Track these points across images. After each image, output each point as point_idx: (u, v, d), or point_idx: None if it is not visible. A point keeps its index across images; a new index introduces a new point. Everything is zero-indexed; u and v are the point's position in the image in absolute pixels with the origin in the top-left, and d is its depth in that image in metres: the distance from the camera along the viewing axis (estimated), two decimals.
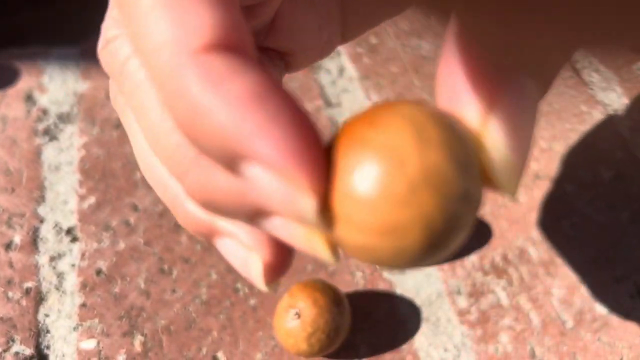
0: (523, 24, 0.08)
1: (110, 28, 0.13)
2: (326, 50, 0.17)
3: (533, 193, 0.30)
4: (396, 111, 0.10)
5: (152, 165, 0.13)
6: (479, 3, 0.09)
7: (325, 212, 0.10)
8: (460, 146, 0.10)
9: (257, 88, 0.10)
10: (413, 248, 0.10)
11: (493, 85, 0.11)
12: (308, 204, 0.10)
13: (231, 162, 0.10)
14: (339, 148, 0.10)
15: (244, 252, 0.13)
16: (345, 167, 0.10)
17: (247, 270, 0.13)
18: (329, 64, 0.35)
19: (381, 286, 0.27)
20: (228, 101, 0.10)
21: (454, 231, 0.10)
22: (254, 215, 0.11)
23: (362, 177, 0.10)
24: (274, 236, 0.11)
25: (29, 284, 0.26)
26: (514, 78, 0.11)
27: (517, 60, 0.10)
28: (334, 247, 0.11)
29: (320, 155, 0.10)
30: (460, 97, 0.11)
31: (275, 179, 0.10)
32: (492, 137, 0.10)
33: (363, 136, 0.10)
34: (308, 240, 0.11)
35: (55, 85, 0.33)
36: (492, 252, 0.28)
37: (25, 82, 0.33)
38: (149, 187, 0.30)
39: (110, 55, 0.13)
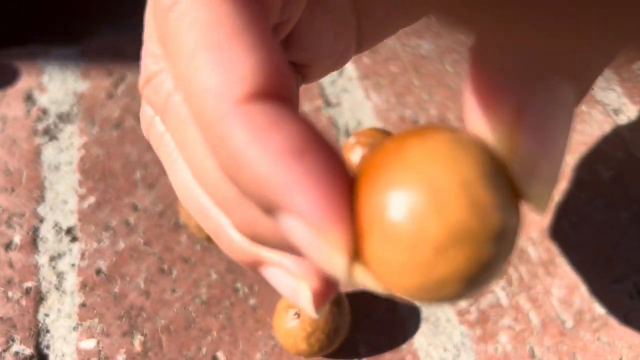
0: (564, 27, 0.08)
1: (151, 64, 0.13)
2: (341, 60, 0.17)
3: None
4: (427, 143, 0.09)
5: (194, 196, 0.13)
6: (510, 11, 0.08)
7: (358, 256, 0.10)
8: (498, 179, 0.09)
9: (296, 141, 0.10)
10: (451, 291, 0.09)
11: (520, 95, 0.10)
12: (340, 261, 0.10)
13: (270, 209, 0.10)
14: (367, 186, 0.10)
15: (292, 281, 0.13)
16: (378, 208, 0.09)
17: (296, 297, 0.13)
18: None
19: None
20: (268, 154, 0.10)
21: (492, 271, 0.09)
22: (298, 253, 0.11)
23: (399, 220, 0.09)
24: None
25: (29, 284, 0.26)
26: (546, 84, 0.10)
27: (552, 64, 0.10)
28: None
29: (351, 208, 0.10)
30: (484, 118, 0.10)
31: (310, 233, 0.10)
32: (520, 146, 0.10)
33: (394, 175, 0.09)
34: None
35: (55, 85, 0.33)
36: None
37: (25, 82, 0.33)
38: (148, 187, 0.30)
39: (154, 91, 0.13)
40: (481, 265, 0.09)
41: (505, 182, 0.09)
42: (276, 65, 0.11)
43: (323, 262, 0.10)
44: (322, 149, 0.10)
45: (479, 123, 0.11)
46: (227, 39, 0.11)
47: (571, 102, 0.11)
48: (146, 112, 0.15)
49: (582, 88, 0.11)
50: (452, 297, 0.10)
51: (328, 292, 0.13)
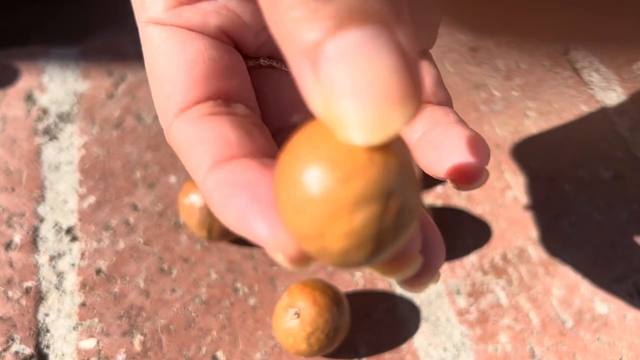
0: None
1: None
2: None
3: (533, 193, 0.30)
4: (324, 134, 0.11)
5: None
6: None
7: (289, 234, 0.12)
8: (401, 159, 0.11)
9: (260, 195, 0.13)
10: (363, 249, 0.11)
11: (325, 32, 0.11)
12: (283, 259, 0.13)
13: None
14: (287, 167, 0.11)
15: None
16: (293, 185, 0.11)
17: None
18: None
19: (380, 286, 0.27)
20: (241, 205, 0.13)
21: (394, 229, 0.11)
22: None
23: (312, 194, 0.10)
24: None
25: (29, 284, 0.26)
26: (354, 24, 0.11)
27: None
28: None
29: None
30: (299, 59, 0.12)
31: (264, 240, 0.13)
32: (322, 80, 0.11)
33: (307, 156, 0.11)
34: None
35: (55, 85, 0.33)
36: (491, 251, 0.28)
37: (25, 82, 0.33)
38: (148, 187, 0.30)
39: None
40: (381, 224, 0.10)
41: (409, 170, 0.11)
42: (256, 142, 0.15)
43: (276, 258, 0.13)
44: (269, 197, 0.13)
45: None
46: None
47: (383, 40, 0.11)
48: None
49: (404, 25, 0.12)
50: (366, 255, 0.11)
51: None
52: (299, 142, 0.11)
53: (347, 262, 0.11)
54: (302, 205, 0.10)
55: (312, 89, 0.10)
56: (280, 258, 0.13)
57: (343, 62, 0.10)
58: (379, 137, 0.10)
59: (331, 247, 0.11)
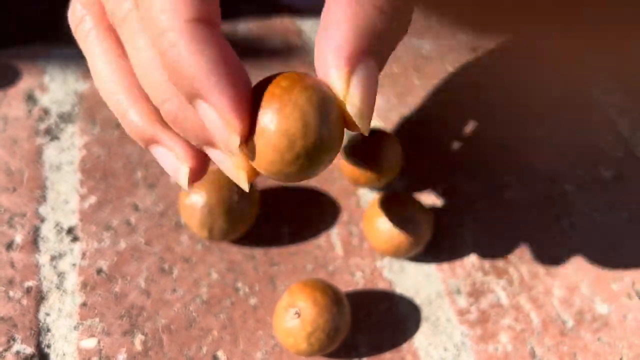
0: None
1: (77, 11, 0.20)
2: None
3: (533, 192, 0.30)
4: (295, 82, 0.16)
5: (111, 89, 0.19)
6: None
7: (249, 146, 0.16)
8: (323, 97, 0.16)
9: (218, 54, 0.15)
10: (300, 164, 0.16)
11: (352, 64, 0.16)
12: (234, 139, 0.16)
13: (192, 98, 0.16)
14: (262, 102, 0.16)
15: (175, 160, 0.19)
16: (264, 118, 0.16)
17: (175, 173, 0.19)
18: None
19: (381, 286, 0.27)
20: (199, 60, 0.15)
21: (321, 143, 0.16)
22: (204, 144, 0.17)
23: (274, 126, 0.16)
24: (198, 151, 0.18)
25: (30, 283, 0.26)
26: (365, 60, 0.17)
27: (368, 49, 0.17)
28: (250, 177, 0.17)
29: (248, 107, 0.16)
30: (330, 71, 0.16)
31: (216, 117, 0.16)
32: (351, 95, 0.16)
33: (277, 98, 0.16)
34: (234, 171, 0.17)
35: (56, 85, 0.34)
36: (492, 251, 0.28)
37: (26, 82, 0.34)
38: (149, 187, 0.30)
39: (118, 5, 0.18)
40: (311, 149, 0.16)
41: (336, 114, 0.16)
42: (212, 3, 0.16)
43: (223, 142, 0.16)
44: (233, 61, 0.16)
45: (329, 79, 0.17)
46: None
47: (377, 72, 0.17)
48: (77, 11, 0.20)
49: (383, 63, 0.18)
50: (301, 170, 0.16)
51: (200, 172, 0.19)
52: (271, 93, 0.16)
53: (284, 172, 0.16)
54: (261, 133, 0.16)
55: (336, 73, 0.16)
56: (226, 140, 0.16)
57: (364, 81, 0.17)
58: (366, 119, 0.17)
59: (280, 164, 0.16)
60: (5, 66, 0.34)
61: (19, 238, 0.28)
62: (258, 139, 0.16)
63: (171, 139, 0.18)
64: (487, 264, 0.27)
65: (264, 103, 0.16)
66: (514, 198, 0.30)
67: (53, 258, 0.27)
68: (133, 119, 0.19)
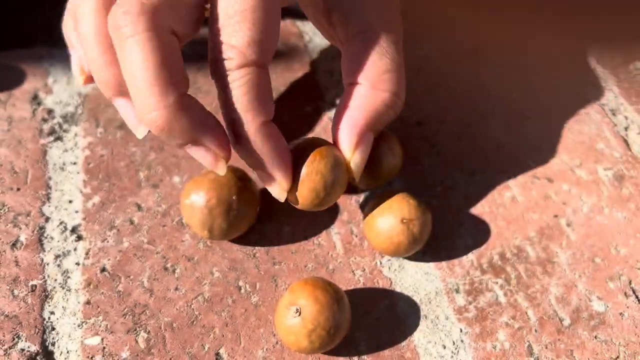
0: None
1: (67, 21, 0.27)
2: None
3: (531, 192, 0.30)
4: (316, 154, 0.24)
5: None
6: None
7: (289, 192, 0.24)
8: (335, 162, 0.24)
9: (282, 145, 0.23)
10: (320, 203, 0.24)
11: (358, 140, 0.24)
12: (283, 195, 0.24)
13: (256, 167, 0.23)
14: (296, 168, 0.24)
15: (134, 117, 0.24)
16: (299, 180, 0.24)
17: (134, 127, 0.24)
18: (330, 64, 0.36)
19: (381, 284, 0.27)
20: (271, 151, 0.23)
21: (332, 192, 0.24)
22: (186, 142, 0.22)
23: (305, 186, 0.24)
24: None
25: (35, 282, 0.27)
26: (367, 134, 0.25)
27: (372, 128, 0.25)
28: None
29: (291, 174, 0.24)
30: (343, 142, 0.25)
31: (274, 183, 0.24)
32: (354, 159, 0.24)
33: (306, 167, 0.24)
34: (209, 163, 0.23)
35: (59, 86, 0.34)
36: (490, 250, 0.28)
37: (30, 83, 0.34)
38: (152, 187, 0.30)
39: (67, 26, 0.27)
40: (328, 194, 0.24)
41: (343, 167, 0.24)
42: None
43: (272, 189, 0.24)
44: (288, 154, 0.24)
45: (341, 146, 0.25)
46: None
47: (372, 140, 0.25)
48: (67, 24, 0.28)
49: (377, 133, 0.26)
50: (321, 205, 0.24)
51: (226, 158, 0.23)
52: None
53: (312, 205, 0.24)
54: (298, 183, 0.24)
55: (347, 144, 0.25)
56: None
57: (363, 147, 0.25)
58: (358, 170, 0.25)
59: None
60: (10, 67, 0.35)
61: (23, 237, 0.28)
62: (295, 191, 0.24)
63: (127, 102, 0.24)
64: (485, 263, 0.28)
65: (298, 168, 0.24)
66: (513, 198, 0.30)
67: (57, 257, 0.27)
68: (104, 74, 0.23)
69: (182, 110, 0.21)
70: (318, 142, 0.24)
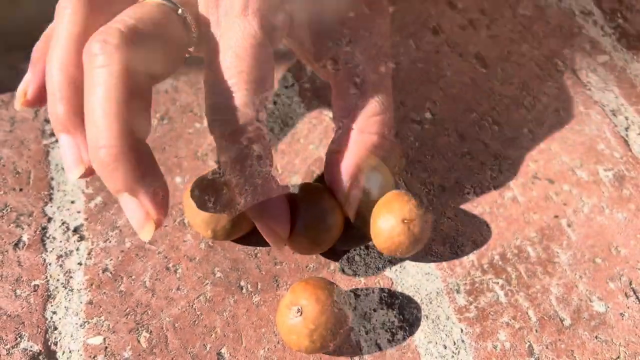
0: None
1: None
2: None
3: (531, 193, 0.30)
4: (311, 195, 0.27)
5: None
6: None
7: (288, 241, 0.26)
8: (334, 208, 0.26)
9: (287, 216, 0.26)
10: (319, 249, 0.27)
11: (351, 184, 0.26)
12: (281, 246, 0.26)
13: (258, 220, 0.25)
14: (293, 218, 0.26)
15: (73, 157, 0.22)
16: (294, 231, 0.26)
17: (70, 168, 0.23)
18: None
19: (382, 284, 0.27)
20: (279, 223, 0.25)
21: (333, 238, 0.27)
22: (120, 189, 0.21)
23: (303, 239, 0.26)
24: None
25: (37, 282, 0.27)
26: (358, 175, 0.26)
27: (361, 169, 0.26)
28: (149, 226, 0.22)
29: (288, 231, 0.25)
30: (339, 188, 0.26)
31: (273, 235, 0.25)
32: (348, 203, 0.26)
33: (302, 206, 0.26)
34: (138, 221, 0.22)
35: None
36: (490, 251, 0.28)
37: None
38: None
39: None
40: (326, 242, 0.27)
41: (338, 208, 0.26)
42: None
43: (271, 241, 0.25)
44: (288, 215, 0.26)
45: (335, 190, 0.27)
46: None
47: (362, 179, 0.27)
48: (38, 46, 0.25)
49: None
50: (321, 250, 0.27)
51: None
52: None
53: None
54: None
55: (341, 190, 0.26)
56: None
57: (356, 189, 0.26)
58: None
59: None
60: (13, 68, 0.35)
61: (26, 237, 0.28)
62: (291, 241, 0.26)
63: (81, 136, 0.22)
64: (486, 263, 0.28)
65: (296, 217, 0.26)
66: (513, 198, 0.30)
67: (59, 257, 0.28)
68: (59, 111, 0.22)
69: (132, 153, 0.20)
70: (311, 188, 0.27)
